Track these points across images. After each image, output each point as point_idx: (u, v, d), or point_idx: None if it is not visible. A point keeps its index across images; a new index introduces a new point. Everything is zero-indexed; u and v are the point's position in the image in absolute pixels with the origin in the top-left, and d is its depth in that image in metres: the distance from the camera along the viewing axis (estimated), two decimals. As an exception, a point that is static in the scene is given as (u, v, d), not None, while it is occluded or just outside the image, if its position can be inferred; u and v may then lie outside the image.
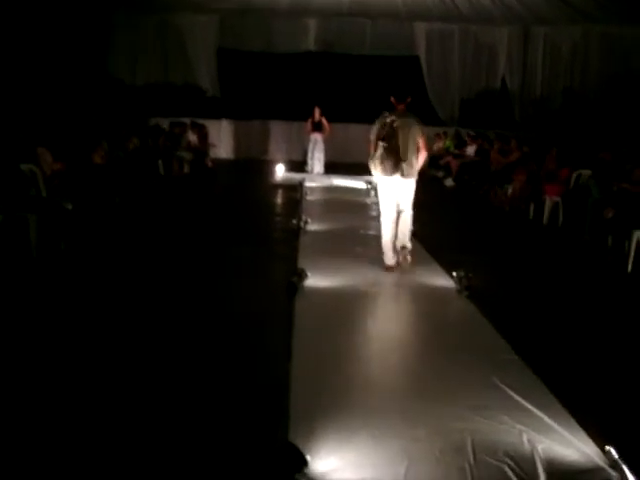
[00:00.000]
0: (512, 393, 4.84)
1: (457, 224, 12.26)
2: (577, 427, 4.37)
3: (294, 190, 14.40)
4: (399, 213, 8.32)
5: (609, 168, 10.95)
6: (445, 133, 20.75)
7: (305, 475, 3.70)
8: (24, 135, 10.80)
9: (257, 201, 13.81)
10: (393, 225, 8.29)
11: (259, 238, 10.17)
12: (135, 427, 4.28)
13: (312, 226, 10.67)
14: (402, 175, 8.00)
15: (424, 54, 22.61)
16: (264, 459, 3.92)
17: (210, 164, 18.58)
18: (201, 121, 19.50)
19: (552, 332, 6.44)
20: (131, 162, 13.34)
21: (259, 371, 5.21)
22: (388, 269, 8.29)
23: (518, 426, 4.37)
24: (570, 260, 9.70)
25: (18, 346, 5.59)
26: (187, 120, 19.05)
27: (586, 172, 11.54)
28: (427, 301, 7.33)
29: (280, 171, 17.20)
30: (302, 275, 7.41)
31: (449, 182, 17.32)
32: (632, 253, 8.81)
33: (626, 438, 4.32)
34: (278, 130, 22.37)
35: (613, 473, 3.84)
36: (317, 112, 18.16)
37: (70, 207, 9.21)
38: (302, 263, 8.13)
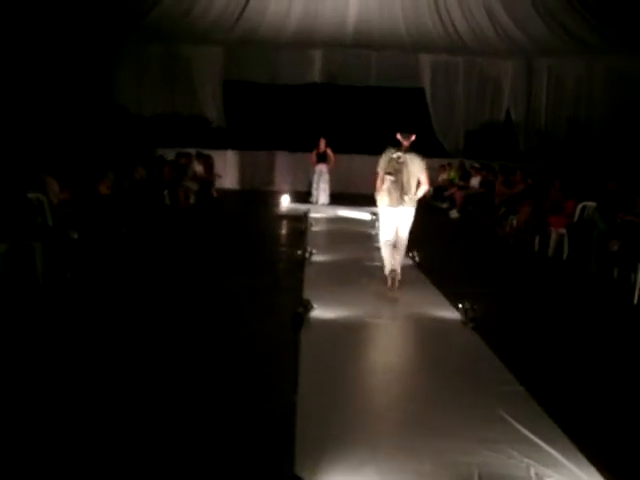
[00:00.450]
0: (519, 426, 4.81)
1: (462, 256, 12.24)
2: (585, 462, 4.34)
3: (299, 221, 14.42)
4: (397, 237, 8.96)
5: (614, 199, 10.95)
6: (450, 164, 20.81)
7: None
8: (32, 164, 10.86)
9: (262, 232, 13.82)
10: (391, 251, 8.96)
11: (264, 269, 10.16)
12: (141, 464, 4.26)
13: (317, 257, 10.67)
14: (404, 205, 8.67)
15: (429, 86, 22.78)
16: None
17: (215, 194, 18.63)
18: (207, 151, 19.59)
19: (559, 364, 6.41)
20: (137, 192, 13.38)
21: (265, 403, 5.18)
22: (391, 273, 8.92)
23: (526, 460, 4.34)
24: (576, 292, 9.67)
25: (23, 373, 5.58)
26: (193, 150, 19.12)
27: (591, 204, 11.55)
28: (433, 333, 7.30)
29: (285, 202, 17.24)
30: (308, 306, 7.39)
31: (454, 213, 17.34)
32: (638, 285, 8.79)
33: (634, 473, 4.28)
34: (283, 161, 22.45)
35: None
36: (322, 143, 18.24)
37: (76, 236, 9.24)
38: (307, 294, 8.11)
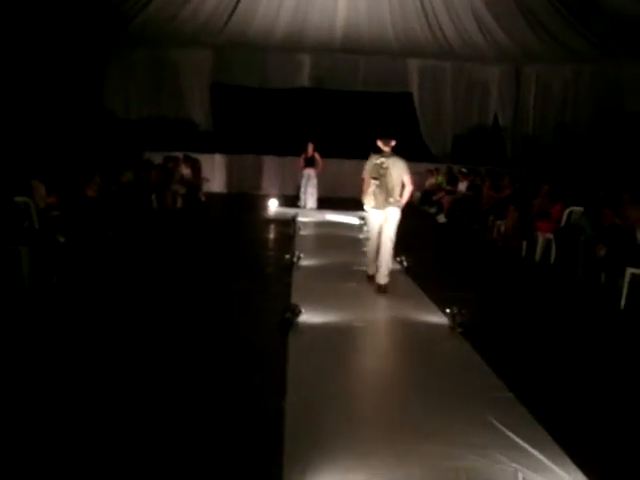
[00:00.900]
0: (507, 431, 4.81)
1: (449, 261, 12.25)
2: (573, 466, 4.36)
3: (287, 225, 14.39)
4: (382, 241, 9.30)
5: (601, 205, 10.99)
6: (437, 169, 20.85)
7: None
8: (18, 168, 10.80)
9: (250, 236, 13.79)
10: (376, 246, 9.40)
11: (252, 273, 10.14)
12: (129, 468, 4.24)
13: (305, 261, 10.66)
14: (389, 206, 9.13)
15: (417, 91, 22.85)
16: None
17: (203, 198, 18.59)
18: (194, 155, 19.52)
19: (546, 369, 6.43)
20: (124, 196, 13.33)
21: (253, 408, 5.17)
22: (369, 279, 9.55)
23: (514, 465, 4.34)
24: (563, 297, 9.70)
25: (9, 377, 5.54)
26: (180, 154, 19.06)
27: (578, 209, 11.59)
28: (420, 338, 7.29)
29: (273, 206, 17.23)
30: (296, 311, 7.38)
31: (441, 218, 17.36)
32: (625, 290, 8.83)
33: (622, 477, 4.29)
34: (271, 165, 22.43)
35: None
36: (310, 148, 18.25)
37: (63, 240, 9.18)
38: (295, 299, 8.11)
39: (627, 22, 16.43)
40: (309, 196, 18.42)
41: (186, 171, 18.36)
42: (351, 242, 13.18)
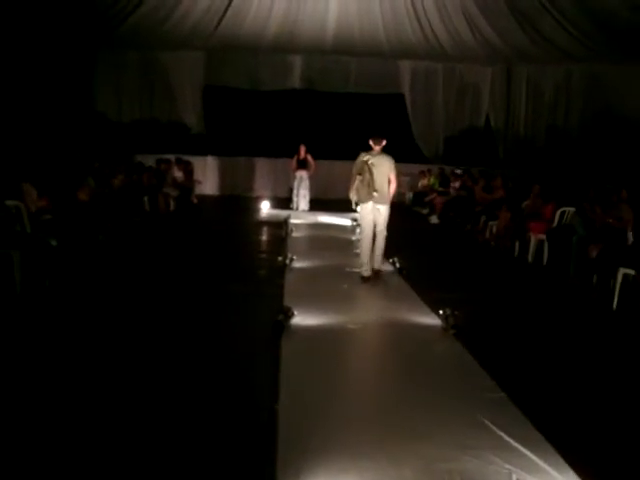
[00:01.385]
0: (500, 432, 4.82)
1: (443, 262, 12.25)
2: (566, 466, 4.36)
3: (279, 227, 14.38)
4: (375, 233, 9.92)
5: (592, 204, 11.02)
6: (429, 170, 20.85)
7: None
8: (9, 171, 10.76)
9: (242, 238, 13.78)
10: (370, 243, 9.90)
11: (244, 276, 10.12)
12: (119, 473, 4.23)
13: (298, 263, 10.66)
14: (374, 202, 9.73)
15: (409, 92, 22.87)
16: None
17: (195, 201, 18.57)
18: (186, 158, 19.51)
19: (539, 370, 6.43)
20: (116, 199, 13.31)
21: (246, 411, 5.16)
22: (364, 280, 9.83)
23: (507, 466, 4.35)
24: (556, 298, 9.71)
25: (2, 382, 5.52)
26: (172, 157, 19.04)
27: (570, 209, 11.61)
28: (413, 339, 7.28)
29: (265, 208, 17.23)
30: (288, 313, 7.37)
31: (434, 219, 17.36)
32: (617, 291, 8.84)
33: (614, 477, 4.30)
34: (263, 167, 22.41)
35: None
36: (302, 150, 18.27)
37: (55, 243, 9.16)
38: (288, 301, 8.10)
39: (618, 23, 16.49)
40: (301, 198, 18.43)
41: (178, 174, 18.36)
42: (343, 244, 13.18)
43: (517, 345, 7.26)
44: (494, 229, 13.69)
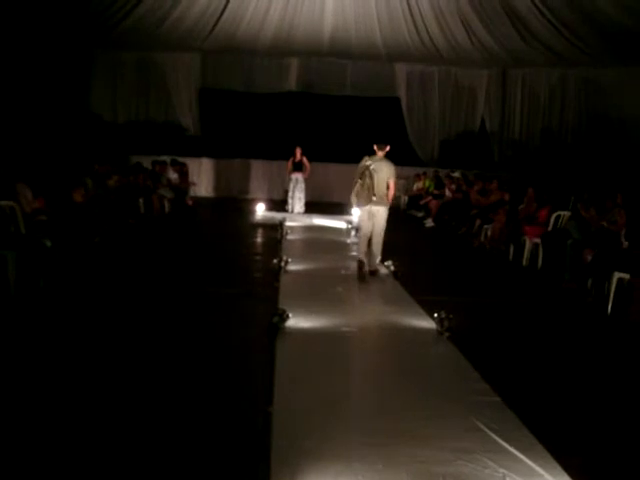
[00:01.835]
0: (495, 436, 4.82)
1: (437, 265, 12.27)
2: (560, 470, 4.36)
3: (274, 229, 14.37)
4: (372, 235, 10.36)
5: (586, 206, 11.04)
6: (425, 173, 20.86)
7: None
8: (4, 172, 10.73)
9: (237, 240, 13.78)
10: (367, 243, 10.42)
11: (239, 278, 10.12)
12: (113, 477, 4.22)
13: (293, 266, 10.64)
14: (373, 204, 10.17)
15: (404, 95, 22.87)
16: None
17: (190, 202, 18.56)
18: (181, 159, 19.49)
19: (534, 374, 6.44)
20: (112, 200, 13.29)
21: (239, 415, 5.15)
22: (360, 264, 10.33)
23: (501, 470, 4.35)
24: (550, 302, 9.72)
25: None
26: (167, 158, 19.02)
27: (565, 213, 11.63)
28: (408, 343, 7.28)
29: (260, 210, 17.19)
30: (283, 316, 7.36)
31: (429, 222, 17.36)
32: (612, 295, 8.85)
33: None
34: (259, 169, 22.38)
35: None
36: (298, 152, 18.24)
37: (49, 244, 9.13)
38: (283, 303, 8.08)
39: (612, 27, 16.55)
40: (297, 200, 18.39)
41: (173, 175, 18.35)
42: (339, 246, 13.18)
43: (512, 349, 7.27)
44: (489, 232, 13.70)
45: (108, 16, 18.54)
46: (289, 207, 18.41)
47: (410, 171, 20.86)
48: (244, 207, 18.86)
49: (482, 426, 4.97)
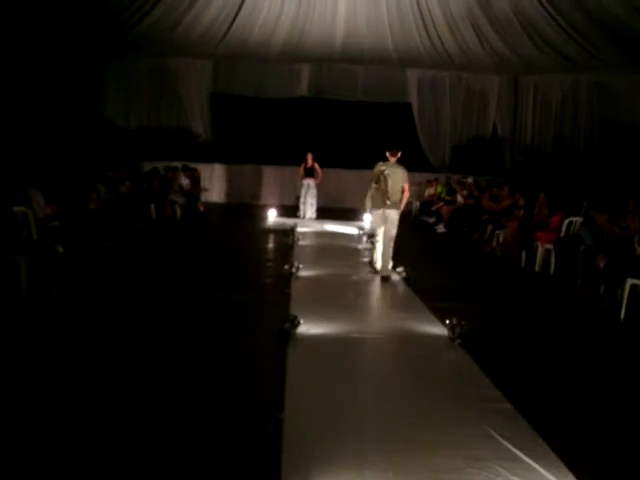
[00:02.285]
0: (507, 444, 4.79)
1: (449, 271, 12.22)
2: (573, 479, 4.32)
3: (286, 235, 14.37)
4: (384, 237, 10.64)
5: (601, 213, 10.99)
6: (437, 179, 20.84)
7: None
8: (17, 178, 10.76)
9: (249, 246, 13.77)
10: (382, 245, 10.71)
11: (250, 284, 10.11)
12: None
13: (304, 272, 10.62)
14: (386, 208, 10.46)
15: (416, 101, 22.89)
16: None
17: (202, 208, 18.58)
18: (193, 165, 19.52)
19: (546, 381, 6.40)
20: (123, 206, 13.32)
21: (250, 421, 5.14)
22: (377, 272, 10.78)
23: (513, 478, 4.32)
24: (563, 308, 9.68)
25: (8, 388, 5.52)
26: (179, 164, 19.06)
27: (578, 219, 11.58)
28: (420, 349, 7.26)
29: (272, 216, 17.20)
30: (295, 322, 7.35)
31: (440, 228, 17.34)
32: (625, 301, 8.80)
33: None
34: (270, 175, 22.43)
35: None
36: (309, 158, 18.24)
37: (61, 250, 9.14)
38: (294, 309, 8.06)
39: (624, 32, 16.50)
40: (308, 206, 18.39)
41: (185, 181, 18.37)
42: (350, 252, 13.16)
43: (524, 355, 7.23)
44: (501, 238, 13.65)
45: (125, 18, 18.60)
46: (301, 213, 18.41)
47: (422, 177, 20.83)
48: (256, 213, 18.89)
49: (494, 433, 4.94)
